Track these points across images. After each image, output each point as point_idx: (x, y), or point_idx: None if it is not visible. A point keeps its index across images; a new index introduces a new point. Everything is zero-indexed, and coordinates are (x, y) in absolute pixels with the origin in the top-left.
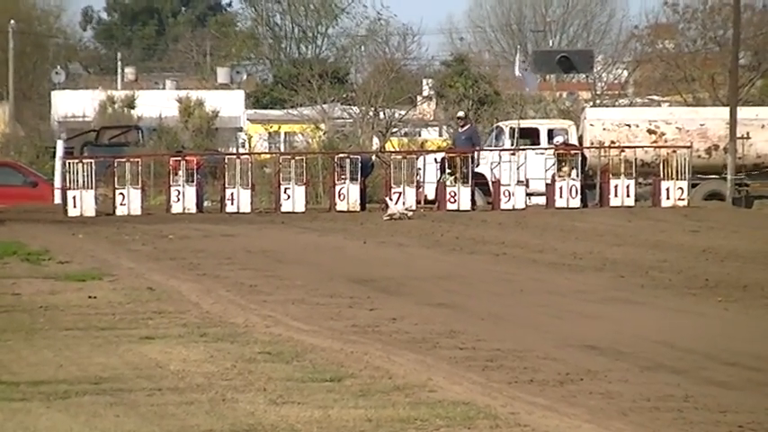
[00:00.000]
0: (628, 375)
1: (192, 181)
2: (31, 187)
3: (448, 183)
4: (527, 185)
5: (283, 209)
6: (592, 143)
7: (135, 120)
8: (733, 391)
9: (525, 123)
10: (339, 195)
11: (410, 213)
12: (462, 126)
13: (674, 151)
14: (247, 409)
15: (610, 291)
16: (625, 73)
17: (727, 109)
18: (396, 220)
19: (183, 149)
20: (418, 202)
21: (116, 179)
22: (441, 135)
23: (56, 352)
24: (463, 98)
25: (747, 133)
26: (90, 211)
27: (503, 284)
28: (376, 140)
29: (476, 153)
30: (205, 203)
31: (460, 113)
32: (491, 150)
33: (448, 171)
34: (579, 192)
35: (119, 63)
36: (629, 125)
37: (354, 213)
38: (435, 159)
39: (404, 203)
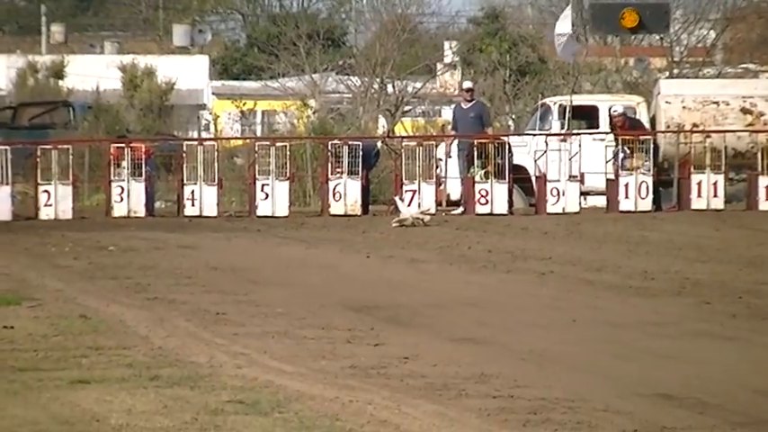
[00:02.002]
0: None
1: (140, 175)
2: None
3: (477, 178)
4: (582, 182)
5: (260, 212)
6: (668, 126)
7: (64, 94)
8: None
9: (580, 100)
10: (334, 194)
11: (427, 218)
12: (469, 101)
13: None
14: None
15: (690, 322)
16: (712, 34)
17: None
18: (408, 228)
19: (128, 133)
20: (438, 203)
21: (39, 172)
22: None
23: None
24: (498, 66)
25: None
26: (4, 213)
27: (549, 313)
28: (383, 122)
29: (509, 139)
30: (157, 204)
31: (468, 84)
32: (534, 135)
33: (478, 162)
34: (651, 190)
35: (42, 19)
36: (716, 102)
37: (354, 218)
38: (458, 147)
39: (419, 205)
